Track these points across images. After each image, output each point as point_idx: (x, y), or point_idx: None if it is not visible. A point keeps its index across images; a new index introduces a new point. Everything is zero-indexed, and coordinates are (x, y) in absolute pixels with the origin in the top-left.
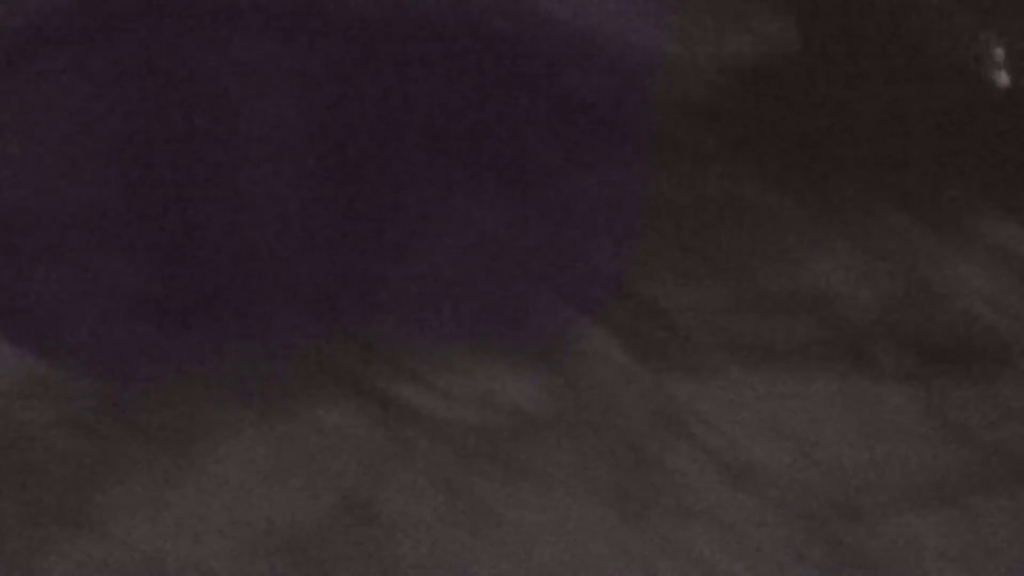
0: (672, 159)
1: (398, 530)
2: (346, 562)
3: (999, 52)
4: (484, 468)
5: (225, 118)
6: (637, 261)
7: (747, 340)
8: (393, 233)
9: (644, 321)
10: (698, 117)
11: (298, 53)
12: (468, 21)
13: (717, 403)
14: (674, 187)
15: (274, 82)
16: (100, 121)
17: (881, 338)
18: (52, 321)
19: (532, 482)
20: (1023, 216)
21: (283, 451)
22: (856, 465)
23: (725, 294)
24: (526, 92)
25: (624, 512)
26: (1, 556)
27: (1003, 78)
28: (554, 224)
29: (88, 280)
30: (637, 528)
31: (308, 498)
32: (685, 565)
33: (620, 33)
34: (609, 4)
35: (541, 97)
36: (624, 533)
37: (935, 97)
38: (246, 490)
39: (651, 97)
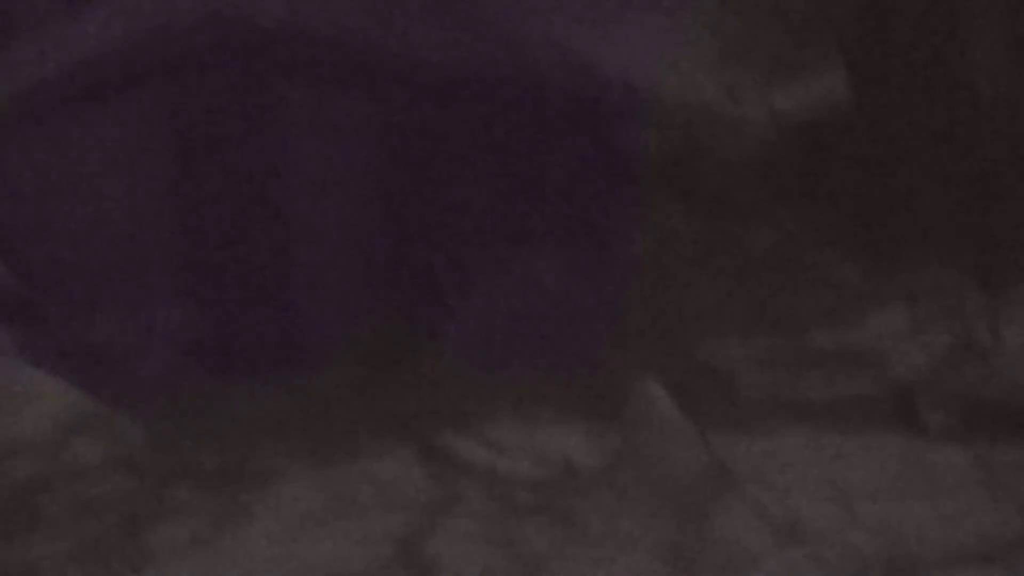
0: (723, 215)
1: None
2: None
3: None
4: (535, 520)
5: (278, 167)
6: (690, 317)
7: (797, 397)
8: (445, 283)
9: (695, 377)
10: (749, 173)
11: (354, 104)
12: (522, 73)
13: (767, 460)
14: (725, 243)
15: (329, 132)
16: (153, 170)
17: (929, 397)
18: (106, 361)
19: (582, 535)
20: None
21: (334, 498)
22: (902, 523)
23: (776, 350)
24: (580, 145)
25: (674, 567)
26: None
27: None
28: (606, 277)
29: (141, 323)
30: None
31: (360, 546)
32: None
33: (674, 88)
34: (662, 60)
35: (594, 150)
36: None
37: (987, 158)
38: (296, 536)
39: (702, 152)
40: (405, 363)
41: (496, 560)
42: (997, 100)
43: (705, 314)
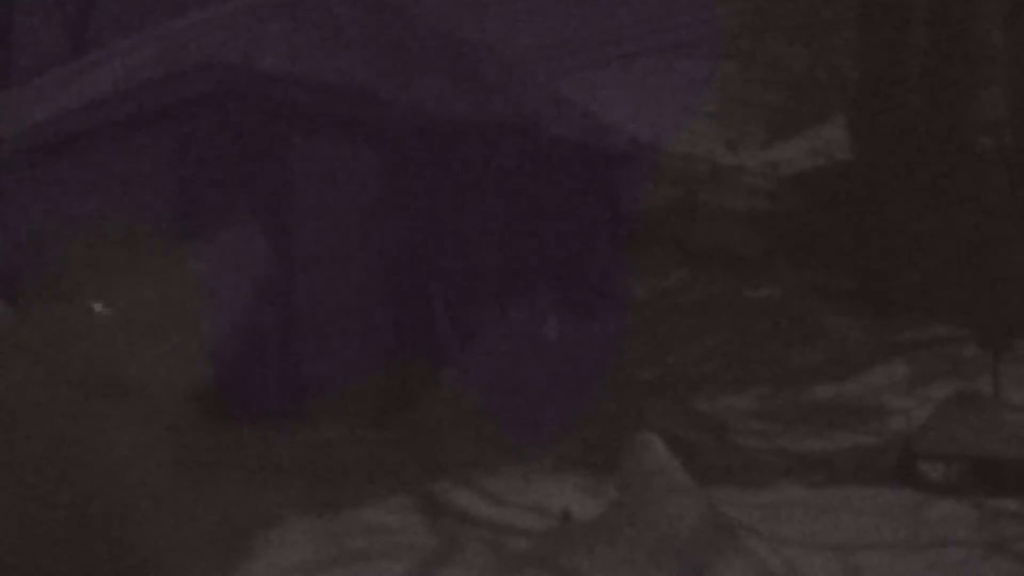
0: (723, 267)
1: None
2: None
3: None
4: (533, 571)
5: (281, 210)
6: (689, 368)
7: (795, 449)
8: (445, 331)
9: (696, 431)
10: (749, 226)
11: (356, 149)
12: (525, 123)
13: (765, 512)
14: (724, 295)
15: (331, 176)
16: (155, 209)
17: (928, 449)
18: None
19: None
20: None
21: (333, 546)
22: (902, 575)
23: (776, 404)
24: (581, 195)
25: None
26: None
27: None
28: (611, 334)
29: (146, 368)
30: None
31: None
32: None
33: (676, 141)
34: (666, 115)
35: (595, 201)
36: None
37: (986, 212)
38: None
39: (702, 204)
40: (404, 414)
41: None
42: (997, 156)
43: (704, 366)
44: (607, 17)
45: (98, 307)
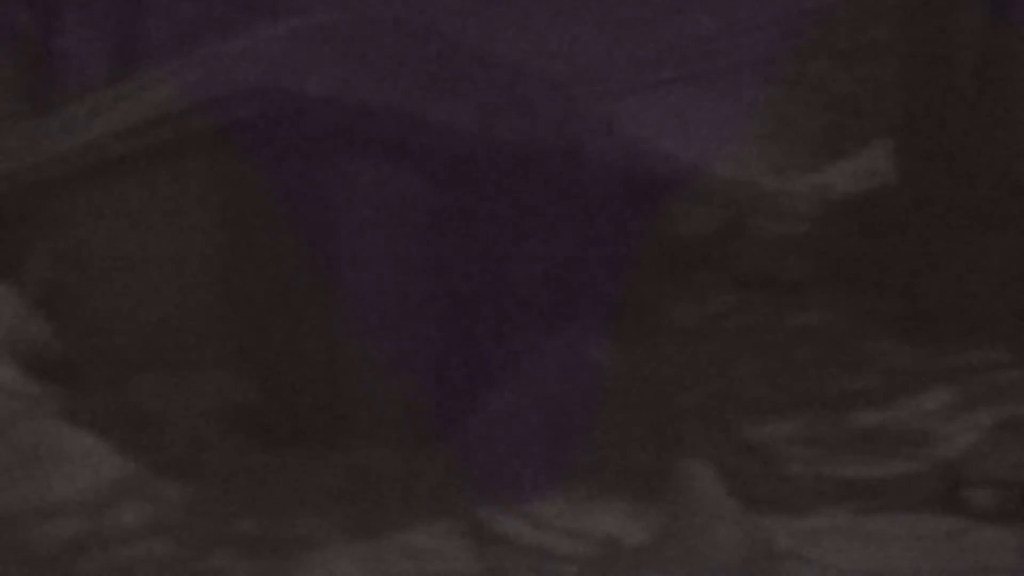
0: (769, 292)
1: None
2: None
3: None
4: None
5: (325, 234)
6: (735, 394)
7: (841, 475)
8: (490, 356)
9: (740, 456)
10: (795, 250)
11: (402, 173)
12: (571, 147)
13: (810, 539)
14: (770, 320)
15: (377, 200)
16: (200, 234)
17: (973, 476)
18: (148, 425)
19: None
20: None
21: (373, 569)
22: None
23: (821, 429)
24: (626, 219)
25: None
26: None
27: None
28: (657, 358)
29: (188, 390)
30: None
31: None
32: None
33: (722, 165)
34: (712, 140)
35: (640, 224)
36: None
37: None
38: None
39: (748, 229)
40: (448, 437)
41: None
42: None
43: (750, 392)
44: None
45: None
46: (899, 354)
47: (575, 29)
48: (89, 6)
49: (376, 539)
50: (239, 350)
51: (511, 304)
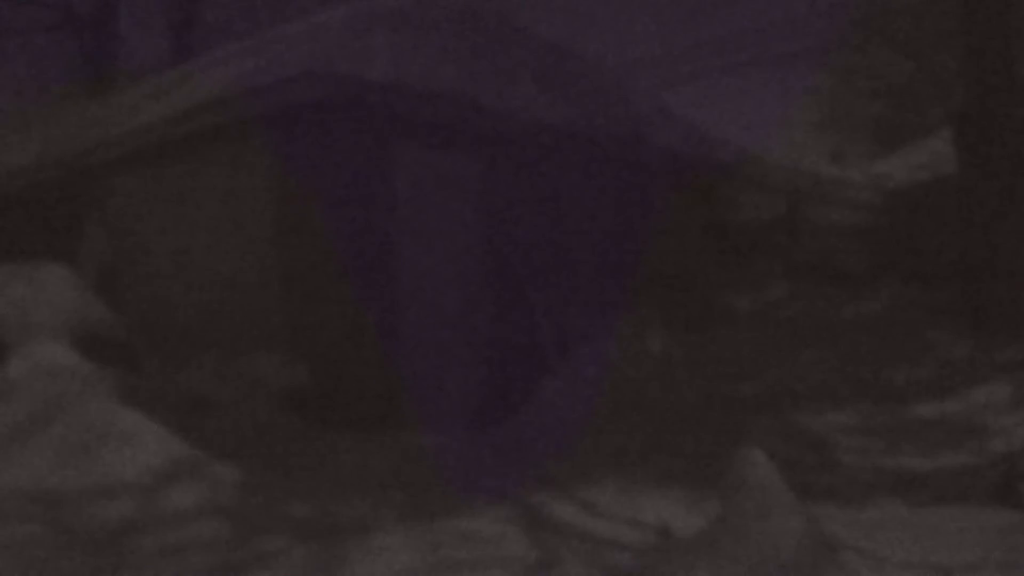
0: (826, 281)
1: None
2: None
3: None
4: None
5: (384, 220)
6: (792, 384)
7: (897, 467)
8: (548, 343)
9: (796, 446)
10: (853, 239)
11: (461, 159)
12: (630, 133)
13: (866, 530)
14: (827, 309)
15: (436, 185)
16: (255, 218)
17: None
18: (203, 407)
19: None
20: None
21: (431, 554)
22: None
23: (878, 419)
24: (686, 208)
25: None
26: None
27: None
28: (714, 345)
29: (243, 372)
30: None
31: None
32: None
33: (780, 153)
34: (771, 127)
35: (699, 213)
36: None
37: None
38: None
39: (806, 216)
40: (504, 422)
41: None
42: None
43: (806, 381)
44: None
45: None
46: (956, 346)
47: (633, 16)
48: None
49: (430, 524)
50: (293, 333)
51: (566, 289)
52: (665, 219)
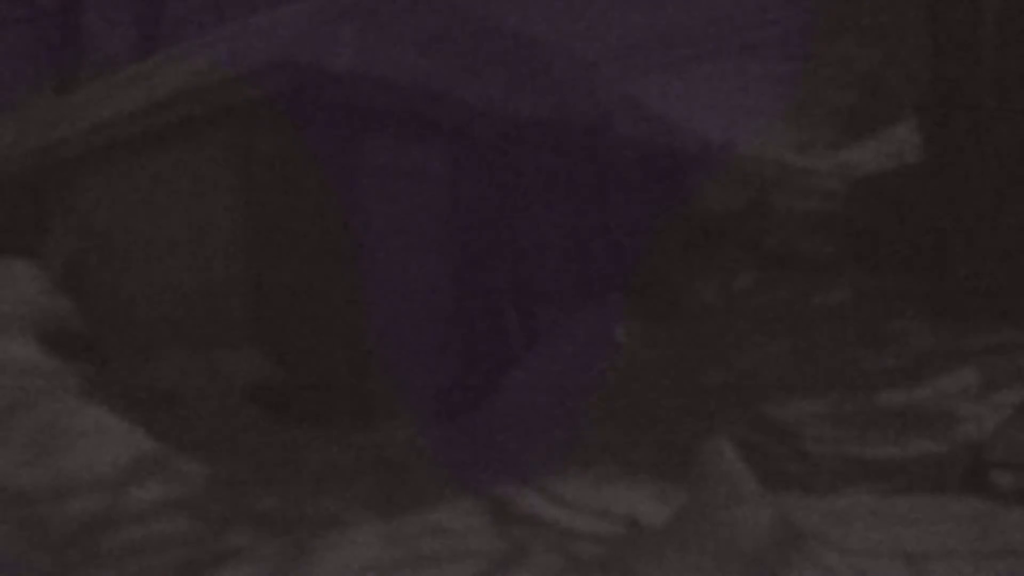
0: (793, 270)
1: None
2: None
3: None
4: (601, 574)
5: (350, 211)
6: (759, 373)
7: (865, 455)
8: (513, 332)
9: (764, 435)
10: (820, 228)
11: (426, 150)
12: (597, 123)
13: (834, 519)
14: (795, 298)
15: (401, 176)
16: (222, 211)
17: (998, 457)
18: (169, 403)
19: None
20: None
21: (398, 548)
22: None
23: (846, 409)
24: (653, 198)
25: None
26: None
27: None
28: (681, 335)
29: (210, 368)
30: None
31: None
32: None
33: (747, 143)
34: (737, 117)
35: (667, 203)
36: None
37: None
38: None
39: (772, 206)
40: (471, 416)
41: None
42: None
43: (775, 371)
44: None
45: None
46: (924, 334)
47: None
48: None
49: (398, 517)
50: (262, 328)
51: (534, 281)
52: (632, 209)
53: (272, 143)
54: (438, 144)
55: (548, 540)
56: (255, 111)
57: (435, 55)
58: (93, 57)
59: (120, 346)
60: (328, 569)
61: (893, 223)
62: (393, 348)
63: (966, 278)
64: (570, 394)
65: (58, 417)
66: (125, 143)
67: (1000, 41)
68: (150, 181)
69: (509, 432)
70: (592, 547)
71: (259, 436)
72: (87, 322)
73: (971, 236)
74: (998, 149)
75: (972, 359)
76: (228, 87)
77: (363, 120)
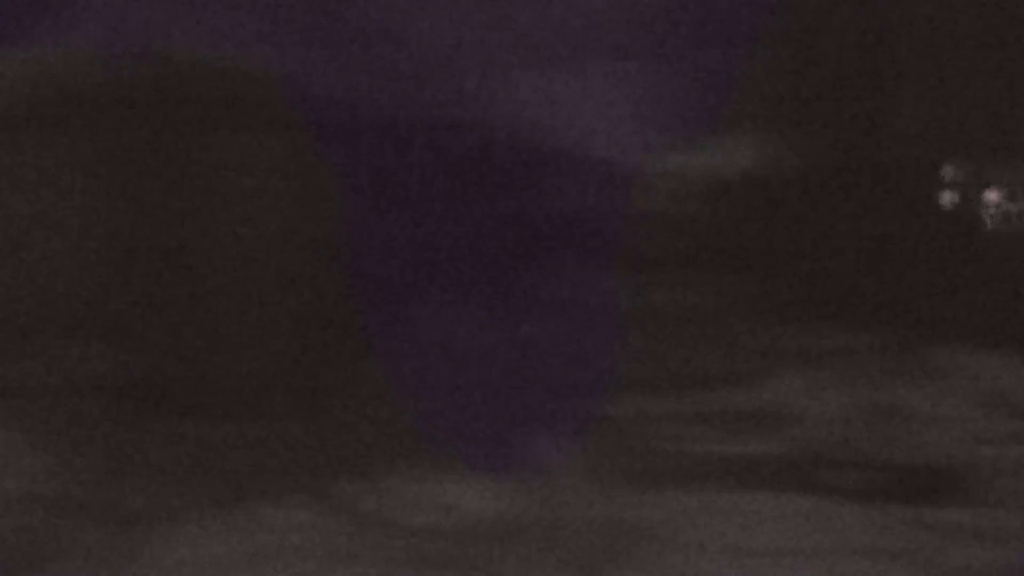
0: (635, 272)
1: None
2: None
3: (948, 170)
4: (435, 570)
5: (209, 207)
6: (596, 371)
7: (702, 455)
8: (365, 334)
9: (600, 433)
10: (663, 230)
11: (288, 143)
12: (450, 123)
13: (670, 517)
14: (635, 299)
15: (261, 171)
16: (82, 206)
17: (832, 457)
18: (23, 396)
19: None
20: (992, 346)
21: (234, 544)
22: None
23: (683, 407)
24: (509, 201)
25: None
26: None
27: (947, 197)
28: (531, 338)
29: (67, 360)
30: None
31: None
32: None
33: (602, 147)
34: (593, 119)
35: (522, 207)
36: None
37: (898, 219)
38: None
39: (629, 210)
40: (308, 414)
41: None
42: (916, 163)
43: (615, 369)
44: (537, 19)
45: None
46: (763, 334)
47: (459, 2)
48: None
49: (230, 513)
50: (126, 321)
51: (397, 274)
52: (481, 207)
53: (132, 133)
54: (289, 136)
55: (388, 535)
56: (112, 100)
57: (285, 45)
58: None
59: None
60: (168, 563)
61: (744, 225)
62: (245, 344)
63: (805, 280)
64: (434, 389)
65: None
66: None
67: (848, 52)
68: (5, 169)
69: (356, 427)
70: (427, 545)
71: (118, 431)
72: None
73: (818, 240)
74: (847, 155)
75: (807, 360)
76: (84, 74)
77: (223, 111)
